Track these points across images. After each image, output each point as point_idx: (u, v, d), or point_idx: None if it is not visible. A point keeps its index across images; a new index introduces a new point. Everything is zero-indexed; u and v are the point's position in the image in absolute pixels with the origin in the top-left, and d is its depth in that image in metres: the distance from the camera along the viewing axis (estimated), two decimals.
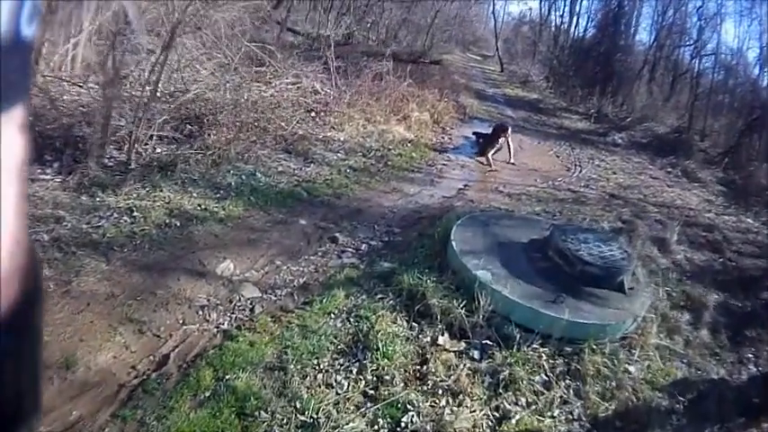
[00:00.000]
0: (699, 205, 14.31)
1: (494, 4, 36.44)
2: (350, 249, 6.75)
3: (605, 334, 5.82)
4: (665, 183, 15.79)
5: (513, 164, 12.97)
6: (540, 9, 36.70)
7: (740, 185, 17.61)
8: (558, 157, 15.66)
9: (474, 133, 14.24)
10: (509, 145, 13.18)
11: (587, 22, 33.17)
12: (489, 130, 13.81)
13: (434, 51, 20.79)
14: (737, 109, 26.43)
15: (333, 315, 5.29)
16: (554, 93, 29.37)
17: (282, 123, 10.25)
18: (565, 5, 34.33)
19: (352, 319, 5.27)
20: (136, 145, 7.80)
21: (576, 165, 14.99)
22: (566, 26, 34.51)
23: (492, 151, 12.91)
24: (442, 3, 24.01)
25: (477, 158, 12.88)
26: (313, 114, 11.57)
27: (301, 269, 6.08)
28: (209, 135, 8.79)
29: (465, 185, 10.47)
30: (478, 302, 5.58)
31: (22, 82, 0.68)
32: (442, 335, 5.39)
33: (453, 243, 6.39)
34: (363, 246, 6.90)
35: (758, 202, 15.98)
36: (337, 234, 6.92)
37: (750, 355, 7.40)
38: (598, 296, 6.28)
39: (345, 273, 6.19)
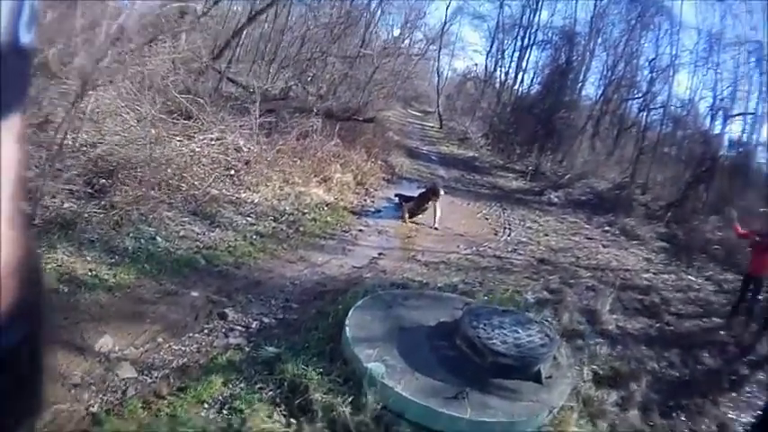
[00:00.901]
0: (636, 265, 14.19)
1: (438, 60, 36.59)
2: (239, 327, 6.38)
3: (515, 431, 5.55)
4: (601, 243, 15.65)
5: (436, 229, 12.71)
6: (486, 65, 36.87)
7: (683, 240, 17.72)
8: (487, 219, 15.44)
9: (396, 195, 13.99)
10: (435, 209, 12.95)
11: (533, 78, 33.49)
12: (415, 192, 13.63)
13: (370, 108, 20.64)
14: (685, 161, 26.71)
15: (206, 405, 4.93)
16: (492, 150, 29.42)
17: (196, 182, 9.96)
18: (511, 61, 34.41)
19: (225, 411, 4.86)
20: (45, 198, 7.51)
21: (505, 227, 14.77)
22: (510, 82, 34.42)
23: (411, 212, 12.83)
24: (383, 59, 24.10)
25: (401, 221, 12.67)
26: (232, 173, 11.24)
27: (183, 348, 5.73)
28: (115, 193, 8.54)
29: (380, 254, 10.15)
30: (366, 399, 5.15)
31: (22, 90, 0.71)
32: None
33: (347, 329, 6.02)
34: (255, 323, 6.54)
35: (701, 257, 16.15)
36: (227, 310, 6.55)
37: (686, 431, 7.25)
38: (509, 389, 5.90)
39: (228, 355, 5.77)
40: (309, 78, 20.13)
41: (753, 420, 8.45)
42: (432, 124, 36.56)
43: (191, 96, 12.19)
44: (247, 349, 5.90)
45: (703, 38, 27.47)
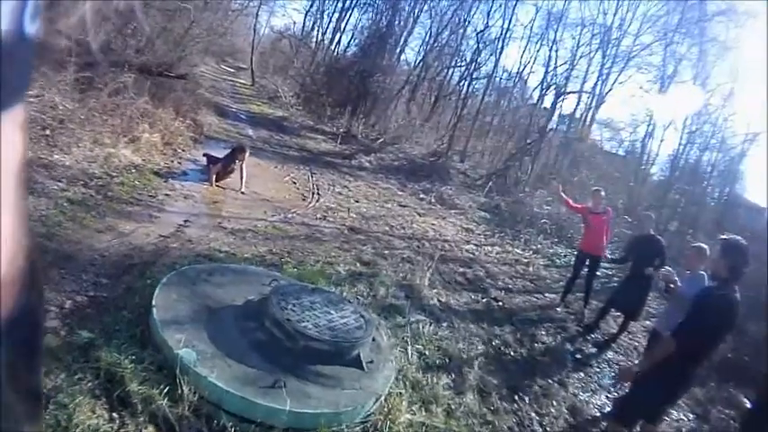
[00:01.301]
0: (456, 236, 14.73)
1: (256, 17, 36.29)
2: (53, 308, 6.23)
3: (341, 421, 5.29)
4: (416, 211, 16.15)
5: (243, 193, 12.98)
6: (304, 24, 36.84)
7: (506, 212, 18.93)
8: (295, 183, 15.71)
9: (204, 155, 13.98)
10: (242, 171, 13.18)
11: (350, 41, 34.26)
12: (222, 153, 13.71)
13: (183, 64, 20.59)
14: (509, 132, 27.87)
15: None
16: (303, 111, 29.44)
17: None
18: (330, 22, 35.11)
19: (51, 406, 4.52)
20: None
21: (313, 193, 15.03)
22: (327, 43, 35.16)
23: (218, 175, 12.96)
24: (201, 14, 23.85)
25: (207, 184, 12.77)
26: (48, 133, 11.08)
27: None
28: None
29: (185, 221, 10.25)
30: (182, 389, 4.90)
31: (24, 81, 0.77)
32: (146, 429, 4.67)
33: (154, 310, 5.93)
34: (68, 303, 6.50)
35: (528, 230, 17.17)
36: None
37: (533, 414, 7.36)
38: (329, 376, 5.77)
39: (46, 341, 5.38)
40: (130, 31, 19.80)
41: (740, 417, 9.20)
42: (244, 81, 36.22)
43: None
44: (63, 333, 5.84)
45: (542, 15, 29.43)
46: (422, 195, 18.63)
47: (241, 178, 13.47)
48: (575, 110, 29.48)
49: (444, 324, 9.02)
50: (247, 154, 13.72)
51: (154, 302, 6.11)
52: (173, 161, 13.94)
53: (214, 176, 13.21)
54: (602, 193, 12.33)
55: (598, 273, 12.65)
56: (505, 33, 29.84)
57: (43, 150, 10.58)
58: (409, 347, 7.59)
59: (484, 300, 10.87)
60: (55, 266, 7.27)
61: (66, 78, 12.36)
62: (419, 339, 8.03)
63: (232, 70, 40.10)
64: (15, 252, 0.75)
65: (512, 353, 9.08)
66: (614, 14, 28.01)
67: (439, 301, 9.87)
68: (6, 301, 0.74)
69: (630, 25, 28.40)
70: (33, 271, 0.83)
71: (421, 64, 31.60)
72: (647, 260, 10.44)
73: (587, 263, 12.17)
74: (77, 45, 13.79)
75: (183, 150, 15.18)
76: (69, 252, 7.83)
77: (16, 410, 0.84)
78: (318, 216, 13.07)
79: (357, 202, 15.48)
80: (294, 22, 39.24)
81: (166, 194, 11.48)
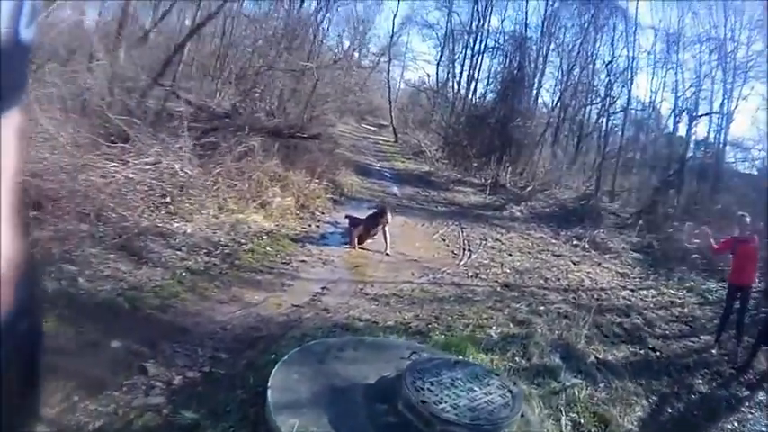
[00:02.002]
0: (612, 282, 13.49)
1: (388, 72, 36.23)
2: (160, 384, 5.65)
3: None
4: (571, 259, 14.95)
5: (388, 254, 12.02)
6: (438, 75, 36.53)
7: (658, 250, 17.27)
8: (444, 240, 14.63)
9: (346, 217, 13.13)
10: (385, 232, 12.27)
11: (486, 87, 32.89)
12: (366, 214, 12.86)
13: (317, 124, 20.09)
14: (651, 165, 26.52)
15: None
16: (448, 164, 28.45)
17: (128, 212, 9.33)
18: (462, 70, 34.01)
19: None
20: None
21: (464, 249, 13.95)
22: (463, 92, 33.99)
23: (360, 237, 12.10)
24: (333, 72, 23.76)
25: (349, 248, 11.95)
26: (168, 200, 10.50)
27: (100, 409, 5.07)
28: (41, 228, 7.96)
29: (323, 288, 9.30)
30: None
31: (21, 84, 0.80)
32: None
33: (270, 391, 5.09)
34: (178, 378, 5.82)
35: (680, 267, 15.63)
36: (149, 363, 5.86)
37: None
38: None
39: (145, 419, 5.03)
40: (257, 94, 19.63)
41: None
42: (387, 138, 36.09)
43: (128, 118, 11.61)
44: (166, 411, 5.20)
45: (661, 38, 27.25)
46: (575, 242, 17.36)
47: (385, 239, 12.50)
48: (707, 133, 27.41)
49: (601, 384, 7.90)
50: (390, 216, 12.77)
51: (270, 383, 5.23)
52: (309, 225, 13.24)
53: (356, 239, 12.36)
54: (748, 220, 11.10)
55: (749, 305, 11.24)
56: (632, 62, 28.05)
57: (162, 218, 10.03)
58: (563, 417, 6.56)
59: (641, 351, 9.70)
60: (166, 340, 6.56)
61: (185, 144, 11.88)
62: (574, 406, 6.97)
63: (373, 128, 40.23)
64: (13, 254, 0.76)
65: (668, 409, 8.06)
66: (724, 26, 26.04)
67: (596, 358, 8.71)
68: (5, 301, 0.74)
69: (741, 34, 26.25)
70: (31, 272, 0.85)
71: (558, 104, 30.25)
72: None
73: (738, 296, 10.83)
74: (199, 110, 13.55)
75: (322, 213, 14.46)
76: (185, 325, 7.09)
77: (16, 408, 0.84)
78: (470, 274, 11.88)
79: (510, 255, 14.34)
80: (428, 75, 39.05)
81: (302, 260, 10.67)
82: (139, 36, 17.50)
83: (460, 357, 6.69)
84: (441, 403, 5.03)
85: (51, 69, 10.73)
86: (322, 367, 5.76)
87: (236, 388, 5.64)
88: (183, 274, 8.48)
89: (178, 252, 9.17)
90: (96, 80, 12.43)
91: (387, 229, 12.51)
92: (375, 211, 13.12)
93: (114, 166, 10.25)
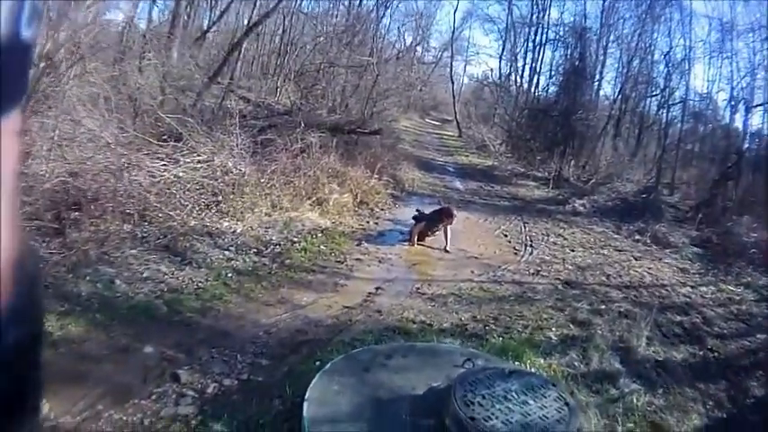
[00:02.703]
0: (673, 278, 13.08)
1: (451, 66, 36.09)
2: (192, 392, 5.29)
3: None
4: (632, 255, 14.50)
5: (447, 251, 11.58)
6: (500, 68, 36.34)
7: (717, 245, 16.86)
8: (505, 236, 14.10)
9: (415, 215, 12.55)
10: (446, 230, 11.89)
11: (548, 80, 32.89)
12: (432, 210, 12.51)
13: (378, 119, 19.88)
14: (709, 157, 26.08)
15: None
16: (512, 158, 28.37)
17: (176, 212, 9.05)
18: (524, 63, 34.03)
19: None
20: None
21: (526, 245, 13.50)
22: (526, 85, 34.16)
23: (420, 234, 11.75)
24: (396, 67, 23.56)
25: (408, 245, 11.64)
26: (219, 199, 10.19)
27: (125, 418, 4.76)
28: (81, 228, 7.74)
29: (377, 288, 8.83)
30: None
31: (22, 84, 0.75)
32: None
33: (306, 405, 4.64)
34: (212, 386, 5.43)
35: (738, 262, 15.19)
36: (182, 370, 5.48)
37: None
38: None
39: (170, 431, 4.71)
40: (319, 91, 19.46)
41: None
42: (450, 133, 36.06)
43: (181, 117, 11.40)
44: (194, 423, 4.86)
45: (715, 27, 26.83)
46: (637, 236, 16.73)
47: (446, 236, 12.00)
48: (762, 124, 26.64)
49: (660, 390, 7.41)
50: (454, 219, 12.27)
51: (307, 394, 4.79)
52: (368, 222, 12.84)
53: (416, 236, 11.92)
54: None
55: None
56: (689, 52, 27.44)
57: (211, 217, 9.72)
58: (619, 428, 6.16)
59: (700, 352, 9.14)
60: (204, 345, 6.20)
61: (240, 141, 11.59)
62: (631, 415, 6.53)
63: (437, 123, 40.29)
64: (13, 254, 0.74)
65: (725, 415, 7.51)
66: None
67: (656, 361, 8.20)
68: (5, 301, 0.72)
69: None
70: (32, 272, 0.83)
71: (619, 96, 29.80)
72: None
73: None
74: (258, 108, 13.29)
75: (382, 210, 14.07)
76: (227, 329, 6.71)
77: (16, 408, 0.83)
78: (531, 271, 11.36)
79: (572, 251, 13.85)
80: (491, 69, 38.89)
81: (357, 259, 10.23)
82: (196, 36, 17.46)
83: (516, 365, 6.30)
84: (491, 419, 4.52)
85: (96, 69, 10.51)
86: (367, 377, 5.30)
87: (273, 398, 5.29)
88: (229, 274, 8.15)
89: (225, 252, 8.86)
90: (147, 80, 12.28)
91: (449, 226, 12.08)
92: (439, 207, 12.77)
93: (164, 164, 10.03)
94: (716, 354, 9.19)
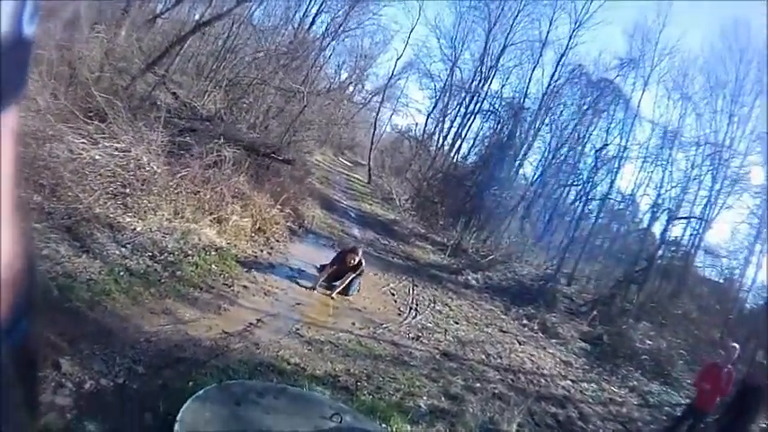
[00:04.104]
0: (554, 369, 13.45)
1: (378, 112, 36.36)
2: (70, 385, 5.32)
3: None
4: (517, 338, 14.89)
5: (333, 298, 11.72)
6: (426, 126, 36.72)
7: (608, 344, 17.39)
8: (393, 294, 14.37)
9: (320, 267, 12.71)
10: (350, 280, 12.16)
11: (471, 148, 33.94)
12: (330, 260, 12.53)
13: (294, 148, 19.99)
14: (617, 256, 26.84)
15: None
16: (415, 216, 28.56)
17: (85, 194, 8.98)
18: (451, 127, 34.42)
19: None
20: None
21: (411, 308, 13.72)
22: (447, 148, 34.42)
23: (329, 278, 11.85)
24: (324, 100, 23.77)
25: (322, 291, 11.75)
26: (127, 191, 10.09)
27: None
28: None
29: (258, 320, 8.92)
30: None
31: (20, 84, 0.76)
32: None
33: (177, 427, 4.75)
34: (90, 383, 5.45)
35: (626, 365, 15.85)
36: (63, 360, 5.51)
37: None
38: None
39: (45, 421, 4.61)
40: (245, 105, 19.52)
41: None
42: (360, 177, 36.15)
43: (111, 98, 11.38)
44: (69, 417, 4.90)
45: (658, 133, 28.38)
46: (525, 321, 17.23)
47: (346, 284, 12.21)
48: (682, 236, 27.92)
49: None
50: (362, 267, 12.61)
51: (180, 416, 4.91)
52: (261, 250, 12.83)
53: (324, 277, 12.13)
54: (736, 347, 11.07)
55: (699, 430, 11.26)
56: (622, 152, 29.15)
57: (116, 209, 9.62)
58: None
59: None
60: (87, 339, 6.19)
61: (159, 138, 11.58)
62: None
63: (350, 164, 40.32)
64: (12, 256, 0.75)
65: None
66: (725, 133, 26.84)
67: None
68: (4, 304, 0.74)
69: (740, 144, 27.28)
70: (31, 275, 0.83)
71: (539, 179, 30.82)
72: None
73: (692, 418, 10.98)
74: (183, 107, 13.32)
75: (277, 241, 14.08)
76: (111, 327, 6.72)
77: (15, 412, 0.84)
78: (411, 335, 11.67)
79: (456, 323, 14.12)
80: (416, 124, 39.31)
81: (245, 286, 10.28)
82: (147, 18, 17.36)
83: (383, 428, 6.60)
84: None
85: (47, 31, 10.46)
86: (237, 411, 5.48)
87: (145, 410, 5.39)
88: (122, 273, 8.11)
89: (122, 248, 8.80)
90: (90, 52, 12.21)
91: (358, 277, 12.41)
92: (344, 250, 12.98)
93: (83, 142, 9.96)
94: None
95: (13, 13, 0.67)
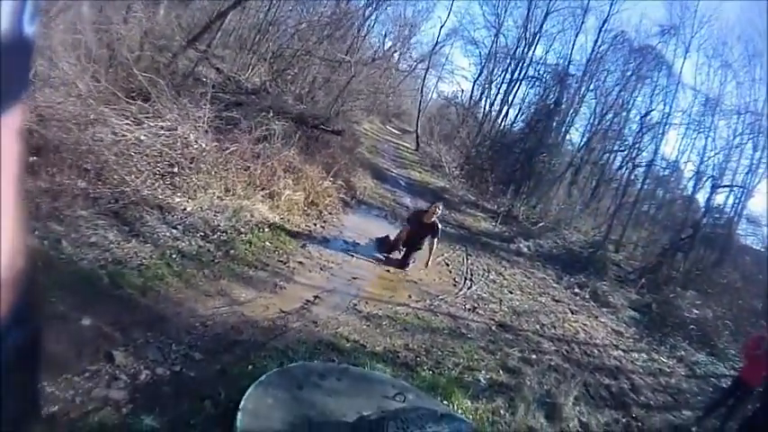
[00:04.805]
0: (606, 338, 13.25)
1: (424, 80, 36.11)
2: (125, 377, 5.09)
3: None
4: (570, 307, 14.72)
5: (389, 271, 11.55)
6: (472, 93, 36.38)
7: (656, 313, 17.21)
8: (447, 265, 14.11)
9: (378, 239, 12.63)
10: (432, 245, 12.25)
11: (517, 115, 33.43)
12: (386, 233, 12.55)
13: (342, 119, 19.83)
14: (663, 224, 26.56)
15: None
16: (465, 183, 28.22)
17: (131, 176, 8.77)
18: (498, 93, 33.99)
19: None
20: None
21: (466, 278, 13.52)
22: (494, 115, 34.05)
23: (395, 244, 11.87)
24: (369, 69, 23.49)
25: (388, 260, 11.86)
26: (175, 171, 9.86)
27: (57, 393, 4.56)
28: (37, 177, 7.47)
29: (315, 297, 8.71)
30: None
31: (23, 83, 0.77)
32: None
33: (240, 414, 4.58)
34: (145, 373, 5.25)
35: (675, 335, 15.69)
36: (116, 351, 5.29)
37: None
38: None
39: (101, 416, 4.49)
40: (290, 77, 19.29)
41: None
42: (408, 144, 36.01)
43: (154, 77, 11.17)
44: (125, 411, 4.68)
45: (700, 101, 27.95)
46: (577, 289, 17.08)
47: (430, 251, 12.33)
48: (725, 203, 27.71)
49: None
50: (434, 218, 12.55)
51: (242, 404, 4.73)
52: (315, 224, 12.59)
53: (397, 244, 12.21)
54: None
55: (745, 405, 11.00)
56: (666, 118, 28.70)
57: (164, 190, 9.36)
58: None
59: (624, 419, 9.31)
60: (141, 327, 5.99)
61: (205, 115, 11.30)
62: None
63: (397, 132, 40.15)
64: (15, 254, 0.75)
65: None
66: (764, 101, 26.04)
67: (579, 421, 8.31)
68: (7, 302, 0.74)
69: None
70: (32, 273, 0.84)
71: (585, 146, 30.39)
72: None
73: (738, 393, 10.75)
74: (228, 81, 13.05)
75: (330, 214, 13.83)
76: (165, 313, 6.52)
77: (16, 411, 0.83)
78: (468, 307, 11.46)
79: (511, 293, 13.93)
80: (462, 90, 39.06)
81: (300, 262, 10.04)
82: None
83: (447, 408, 6.30)
84: None
85: (81, 15, 10.25)
86: (300, 394, 5.25)
87: (204, 398, 5.15)
88: (174, 255, 7.90)
89: (173, 230, 8.57)
90: (129, 32, 12.01)
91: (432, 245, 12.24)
92: (418, 210, 13.26)
93: (128, 124, 9.74)
94: (639, 424, 9.36)
95: (14, 13, 0.65)
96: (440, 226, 12.56)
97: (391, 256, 12.04)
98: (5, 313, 0.73)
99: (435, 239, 12.35)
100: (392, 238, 12.33)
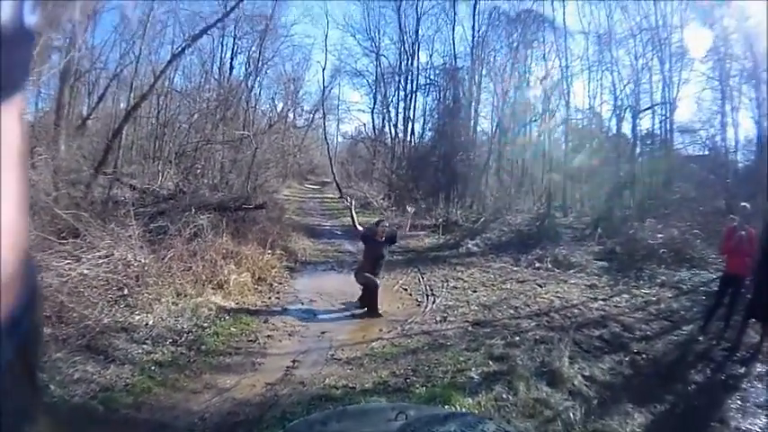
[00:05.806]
0: (581, 296, 13.51)
1: (324, 127, 36.25)
2: None
3: None
4: (536, 283, 14.98)
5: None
6: (373, 123, 36.50)
7: (623, 253, 17.53)
8: (405, 290, 14.40)
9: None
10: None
11: (423, 126, 32.97)
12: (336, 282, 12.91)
13: (260, 192, 20.10)
14: (599, 171, 26.44)
15: None
16: (396, 210, 27.91)
17: (87, 310, 9.05)
18: (397, 112, 33.93)
19: None
20: None
21: (427, 294, 13.80)
22: (401, 135, 33.96)
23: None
24: (271, 137, 23.77)
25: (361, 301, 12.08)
26: (125, 293, 10.15)
27: None
28: None
29: (294, 362, 9.05)
30: None
31: (24, 70, 0.78)
32: None
33: None
34: None
35: (649, 265, 16.03)
36: None
37: None
38: None
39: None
40: (198, 170, 19.55)
41: None
42: (331, 195, 35.89)
43: (75, 212, 11.47)
44: None
45: (592, 40, 27.60)
46: (537, 264, 17.26)
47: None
48: (652, 126, 27.72)
49: (595, 402, 7.88)
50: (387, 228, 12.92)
51: None
52: (269, 298, 12.85)
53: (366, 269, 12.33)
54: (749, 208, 11.60)
55: (741, 297, 11.31)
56: (566, 71, 28.11)
57: (122, 312, 9.66)
58: None
59: (627, 358, 9.67)
60: None
61: (134, 232, 11.67)
62: (572, 429, 7.01)
63: (317, 187, 40.00)
64: (15, 244, 0.75)
65: (668, 407, 8.08)
66: (655, 14, 26.14)
67: (583, 376, 8.63)
68: (6, 301, 0.73)
69: (673, 17, 26.40)
70: (31, 272, 0.83)
71: (497, 130, 30.30)
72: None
73: (731, 287, 11.14)
74: (144, 194, 13.34)
75: (280, 284, 14.08)
76: (163, 420, 6.88)
77: (16, 411, 0.82)
78: (438, 318, 11.73)
79: (475, 291, 14.16)
80: (364, 124, 38.97)
81: (268, 336, 10.33)
82: (77, 124, 17.38)
83: (448, 408, 6.61)
84: None
85: None
86: None
87: None
88: (152, 367, 8.22)
89: (143, 346, 8.87)
90: (40, 176, 12.28)
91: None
92: (369, 229, 13.26)
93: (68, 263, 10.05)
94: (644, 355, 9.74)
95: (14, 2, 0.68)
96: (395, 231, 13.35)
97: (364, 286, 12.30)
98: (5, 313, 0.73)
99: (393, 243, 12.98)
100: (355, 279, 12.59)
